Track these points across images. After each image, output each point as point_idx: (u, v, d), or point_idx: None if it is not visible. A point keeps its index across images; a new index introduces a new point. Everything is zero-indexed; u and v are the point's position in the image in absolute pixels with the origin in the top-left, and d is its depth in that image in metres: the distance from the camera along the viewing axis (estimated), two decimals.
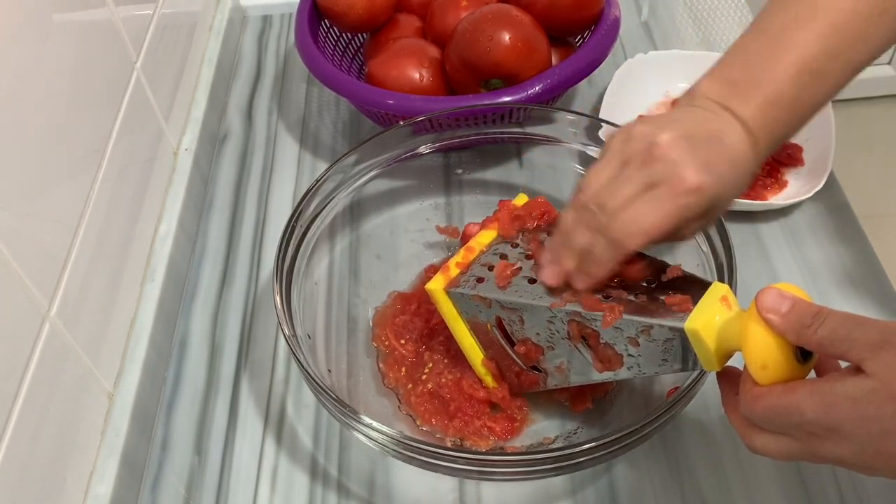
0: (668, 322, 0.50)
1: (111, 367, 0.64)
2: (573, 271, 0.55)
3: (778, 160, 0.81)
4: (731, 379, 0.49)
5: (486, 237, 0.63)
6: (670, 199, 0.50)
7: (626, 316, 0.52)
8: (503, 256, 0.61)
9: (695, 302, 0.50)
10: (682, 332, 0.49)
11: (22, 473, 0.50)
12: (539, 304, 0.56)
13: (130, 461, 0.62)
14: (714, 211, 0.52)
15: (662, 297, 0.52)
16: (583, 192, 0.53)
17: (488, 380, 0.63)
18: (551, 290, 0.56)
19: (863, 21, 0.52)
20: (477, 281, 0.60)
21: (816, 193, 0.76)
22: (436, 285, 0.61)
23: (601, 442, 0.51)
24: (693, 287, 0.52)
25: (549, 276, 0.56)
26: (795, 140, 0.83)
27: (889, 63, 2.06)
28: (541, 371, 0.60)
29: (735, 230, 0.70)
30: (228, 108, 0.95)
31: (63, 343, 0.56)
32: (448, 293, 0.61)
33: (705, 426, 0.64)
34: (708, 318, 0.49)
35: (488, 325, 0.60)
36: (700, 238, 0.62)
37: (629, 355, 0.53)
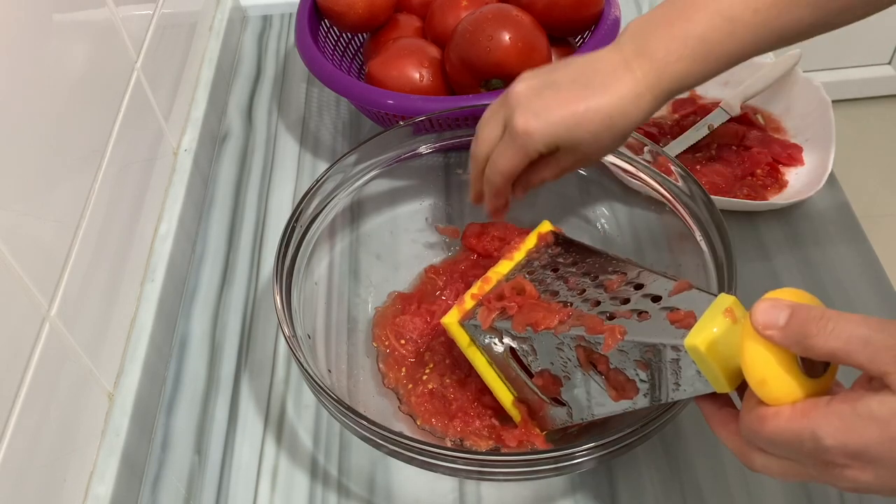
0: (669, 340, 0.47)
1: (111, 367, 0.64)
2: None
3: (778, 160, 0.81)
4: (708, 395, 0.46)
5: (504, 267, 0.62)
6: (510, 144, 0.57)
7: (627, 337, 0.50)
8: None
9: (700, 316, 0.47)
10: (683, 349, 0.46)
11: (22, 473, 0.50)
12: (543, 329, 0.55)
13: (130, 461, 0.62)
14: (574, 150, 0.57)
15: (667, 315, 0.49)
16: (474, 143, 0.62)
17: (517, 419, 0.61)
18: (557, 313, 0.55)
19: None
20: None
21: (816, 193, 0.76)
22: (451, 319, 0.60)
23: (601, 442, 0.51)
24: (701, 301, 0.49)
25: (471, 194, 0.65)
26: (795, 140, 0.83)
27: (889, 63, 2.06)
28: (564, 404, 0.57)
29: (735, 230, 0.70)
30: (228, 108, 0.95)
31: (63, 343, 0.56)
32: (463, 326, 0.60)
33: (705, 426, 0.63)
34: (707, 333, 0.45)
35: (504, 355, 0.59)
36: (700, 238, 0.62)
37: (641, 381, 0.50)
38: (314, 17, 0.86)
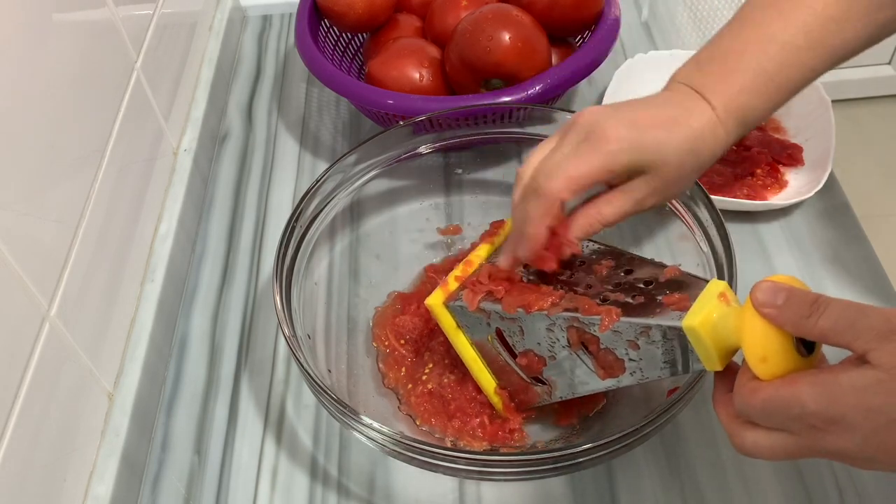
0: (666, 322, 0.49)
1: (111, 367, 0.64)
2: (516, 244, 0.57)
3: (778, 160, 0.81)
4: (728, 374, 0.48)
5: (484, 250, 0.62)
6: (591, 151, 0.52)
7: (623, 318, 0.51)
8: None
9: (693, 300, 0.49)
10: (680, 331, 0.48)
11: (22, 473, 0.50)
12: (536, 310, 0.55)
13: (130, 461, 0.62)
14: (649, 171, 0.53)
15: (660, 298, 0.51)
16: (523, 168, 0.56)
17: (499, 407, 0.62)
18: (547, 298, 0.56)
19: (840, 5, 0.53)
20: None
21: (816, 193, 0.76)
22: (435, 300, 0.61)
23: (601, 442, 0.51)
24: (692, 286, 0.51)
25: (502, 261, 0.58)
26: (795, 140, 0.83)
27: (889, 63, 2.06)
28: (545, 383, 0.59)
29: (735, 230, 0.70)
30: (228, 108, 0.95)
31: (63, 343, 0.56)
32: (448, 307, 0.60)
33: (705, 426, 0.64)
34: (706, 315, 0.47)
35: (489, 337, 0.60)
36: (700, 238, 0.62)
37: (630, 360, 0.52)
38: (314, 17, 0.86)
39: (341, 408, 0.54)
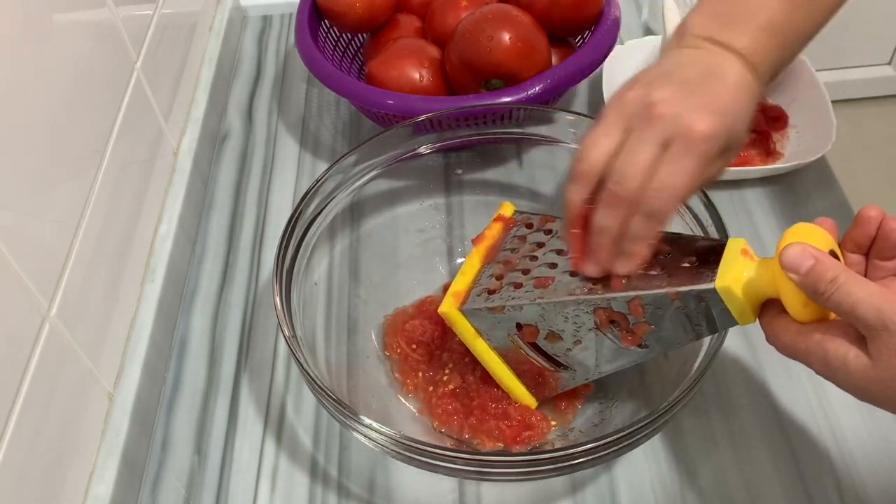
0: (697, 287, 0.50)
1: (111, 367, 0.64)
2: (613, 257, 0.53)
3: (764, 130, 0.81)
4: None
5: (477, 255, 0.62)
6: (689, 154, 0.49)
7: (651, 292, 0.52)
8: (507, 263, 0.61)
9: (716, 261, 0.50)
10: (713, 292, 0.49)
11: (22, 473, 0.50)
12: (566, 299, 0.55)
13: (130, 461, 0.62)
14: (733, 145, 0.52)
15: (685, 264, 0.52)
16: (586, 164, 0.51)
17: (534, 405, 0.62)
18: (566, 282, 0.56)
19: None
20: (489, 293, 0.59)
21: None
22: (448, 307, 0.60)
23: (601, 442, 0.51)
24: (709, 248, 0.52)
25: (592, 269, 0.54)
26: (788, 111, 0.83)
27: (889, 63, 2.06)
28: (568, 368, 0.59)
29: (733, 229, 0.70)
30: (228, 108, 0.95)
31: (63, 343, 0.56)
32: (463, 311, 0.60)
33: (705, 426, 0.64)
34: (736, 274, 0.49)
35: (509, 337, 0.59)
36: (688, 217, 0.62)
37: (662, 329, 0.53)
38: (314, 17, 0.86)
39: (341, 408, 0.54)
